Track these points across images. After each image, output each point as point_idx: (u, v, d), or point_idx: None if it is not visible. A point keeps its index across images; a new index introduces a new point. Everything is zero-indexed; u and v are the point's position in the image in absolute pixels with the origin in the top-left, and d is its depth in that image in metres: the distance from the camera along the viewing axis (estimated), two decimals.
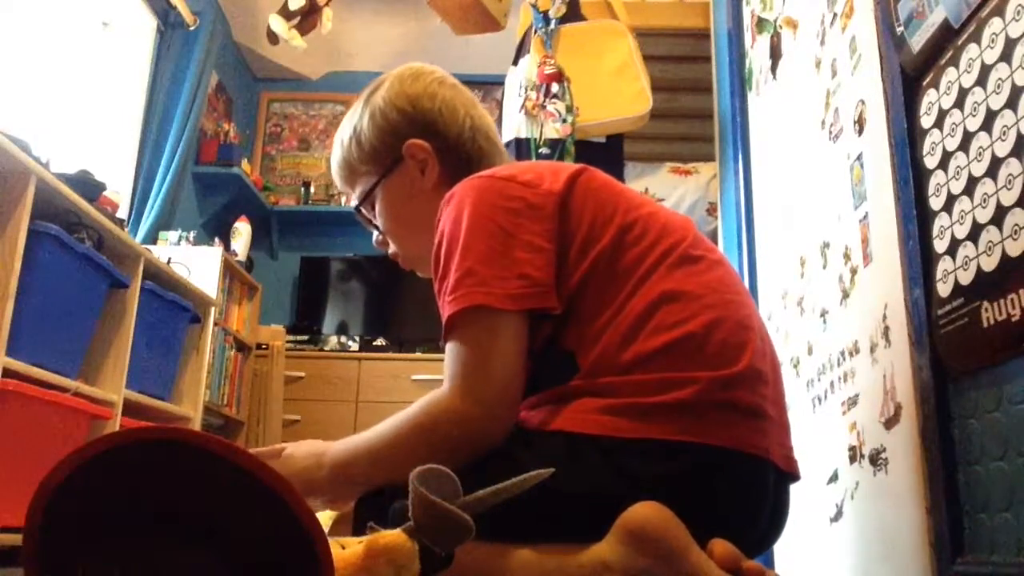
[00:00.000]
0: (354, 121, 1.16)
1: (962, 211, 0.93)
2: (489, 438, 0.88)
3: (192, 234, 3.56)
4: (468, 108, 1.14)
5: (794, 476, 0.98)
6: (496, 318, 0.89)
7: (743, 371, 0.87)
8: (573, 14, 2.43)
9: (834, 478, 1.32)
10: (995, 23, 0.88)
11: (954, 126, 0.96)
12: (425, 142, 1.10)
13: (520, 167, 1.02)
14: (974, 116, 0.91)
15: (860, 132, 1.23)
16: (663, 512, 0.78)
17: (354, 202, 1.18)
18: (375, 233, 1.20)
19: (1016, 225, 0.83)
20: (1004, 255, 0.84)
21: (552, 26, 2.37)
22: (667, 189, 2.36)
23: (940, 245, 0.98)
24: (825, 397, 1.38)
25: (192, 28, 3.94)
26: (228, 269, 3.64)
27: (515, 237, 0.92)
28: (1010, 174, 0.84)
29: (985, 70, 0.90)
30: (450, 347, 0.91)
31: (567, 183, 0.96)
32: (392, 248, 1.18)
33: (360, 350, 4.31)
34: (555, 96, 2.26)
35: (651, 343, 0.86)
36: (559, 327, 0.91)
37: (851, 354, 1.26)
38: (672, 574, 0.76)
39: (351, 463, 0.95)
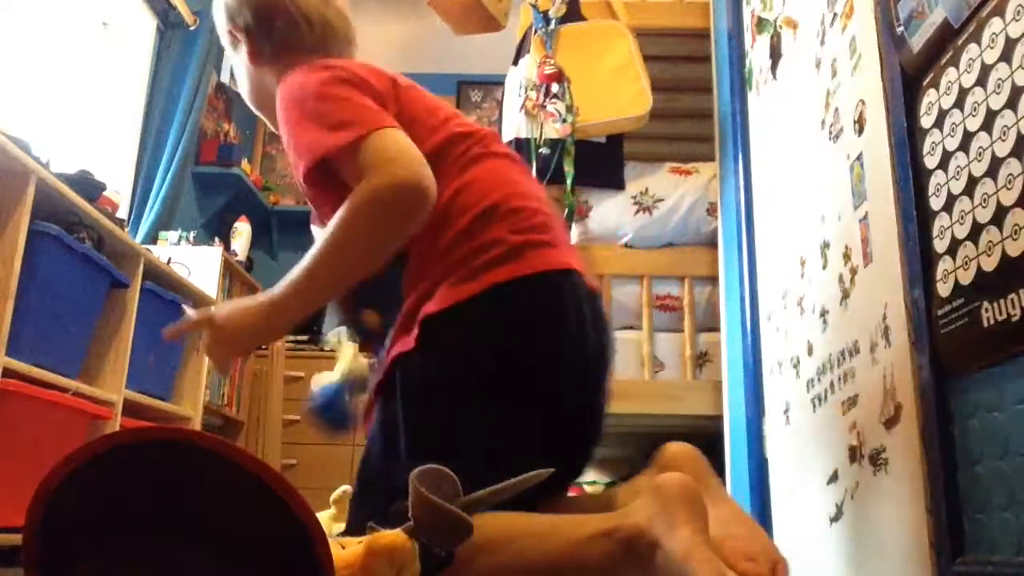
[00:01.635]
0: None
1: (962, 211, 0.93)
2: (422, 187, 0.97)
3: (192, 234, 3.56)
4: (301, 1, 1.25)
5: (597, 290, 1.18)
6: (374, 135, 1.00)
7: (529, 217, 1.07)
8: (573, 14, 2.43)
9: (834, 478, 1.32)
10: (995, 23, 0.88)
11: (954, 126, 0.96)
12: (243, 27, 1.25)
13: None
14: (974, 116, 0.91)
15: (860, 132, 1.23)
16: (688, 480, 0.86)
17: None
18: None
19: (1016, 225, 0.83)
20: (1004, 255, 0.84)
21: (552, 26, 2.37)
22: (667, 189, 2.36)
23: (940, 245, 0.98)
24: (825, 397, 1.38)
25: (192, 28, 3.94)
26: (228, 269, 3.64)
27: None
28: (1010, 174, 0.84)
29: (985, 70, 0.90)
30: (354, 166, 1.00)
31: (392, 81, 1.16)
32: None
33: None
34: (555, 96, 2.26)
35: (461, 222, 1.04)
36: None
37: (851, 354, 1.26)
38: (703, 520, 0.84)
39: (289, 295, 1.02)
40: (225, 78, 4.52)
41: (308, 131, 1.06)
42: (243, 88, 1.35)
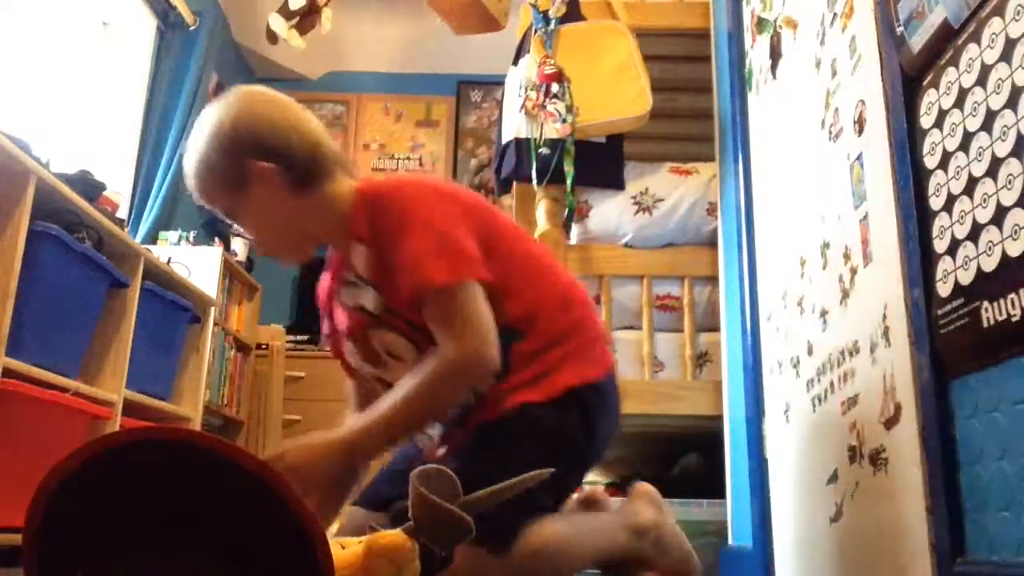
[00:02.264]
0: (200, 148, 1.29)
1: (962, 211, 0.93)
2: (492, 368, 1.21)
3: (192, 234, 3.56)
4: (301, 125, 1.31)
5: None
6: (467, 286, 1.21)
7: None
8: (573, 14, 2.43)
9: (834, 478, 1.32)
10: (995, 23, 0.88)
11: (954, 126, 0.96)
12: (266, 163, 1.27)
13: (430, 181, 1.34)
14: (974, 116, 0.91)
15: (860, 132, 1.23)
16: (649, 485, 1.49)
17: (227, 220, 1.35)
18: (245, 239, 1.37)
19: (1016, 225, 0.83)
20: (1004, 255, 0.85)
21: (552, 26, 2.37)
22: (667, 189, 2.36)
23: (940, 245, 0.98)
24: (825, 397, 1.38)
25: (192, 28, 3.94)
26: (228, 269, 3.64)
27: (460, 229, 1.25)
28: (1010, 174, 0.84)
29: (985, 70, 0.90)
30: (441, 309, 1.21)
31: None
32: (257, 248, 1.39)
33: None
34: (555, 96, 2.25)
35: (577, 312, 1.36)
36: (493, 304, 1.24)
37: (851, 354, 1.26)
38: (664, 519, 1.43)
39: (367, 439, 1.21)
40: (225, 78, 4.52)
41: (430, 255, 1.21)
42: (265, 225, 1.33)
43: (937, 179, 0.99)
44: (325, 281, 1.49)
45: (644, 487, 1.48)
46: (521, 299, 1.30)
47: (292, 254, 1.38)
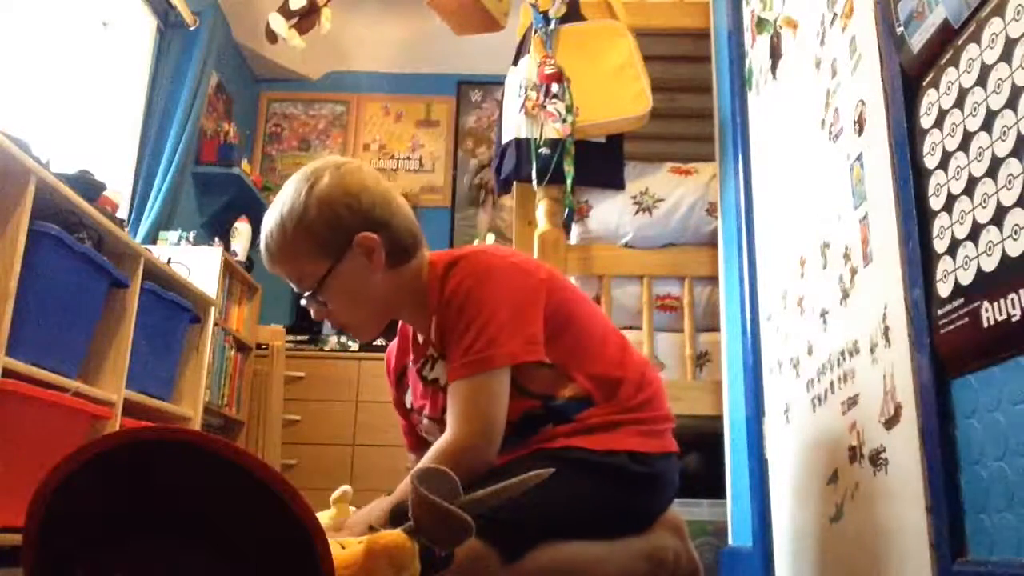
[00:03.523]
0: (296, 209, 1.26)
1: (962, 211, 0.93)
2: (490, 460, 1.23)
3: (192, 234, 3.56)
4: (397, 199, 1.34)
5: None
6: (495, 373, 1.24)
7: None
8: (573, 14, 2.43)
9: (834, 478, 1.32)
10: (995, 23, 0.88)
11: (954, 126, 0.96)
12: (374, 234, 1.27)
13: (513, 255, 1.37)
14: (974, 116, 0.91)
15: (860, 132, 1.23)
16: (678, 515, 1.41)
17: (303, 288, 1.31)
18: (315, 307, 1.33)
19: (1016, 225, 0.83)
20: (1004, 255, 0.84)
21: (552, 26, 2.37)
22: (667, 189, 2.36)
23: (940, 245, 0.98)
24: (825, 397, 1.38)
25: (192, 28, 3.94)
26: (228, 269, 3.64)
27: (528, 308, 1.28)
28: (1010, 174, 0.84)
29: (985, 70, 0.90)
30: (462, 392, 1.23)
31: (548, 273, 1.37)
32: (332, 321, 1.35)
33: (360, 350, 4.30)
34: (555, 96, 2.25)
35: (649, 392, 1.38)
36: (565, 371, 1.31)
37: (851, 354, 1.26)
38: (684, 547, 1.38)
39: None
40: (225, 78, 4.52)
41: (494, 333, 1.24)
42: (353, 298, 1.31)
43: (937, 179, 0.99)
44: (394, 351, 1.53)
45: (673, 517, 1.42)
46: (594, 372, 1.32)
47: (369, 328, 1.38)
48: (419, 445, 1.51)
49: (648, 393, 1.39)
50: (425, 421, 1.41)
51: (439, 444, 1.23)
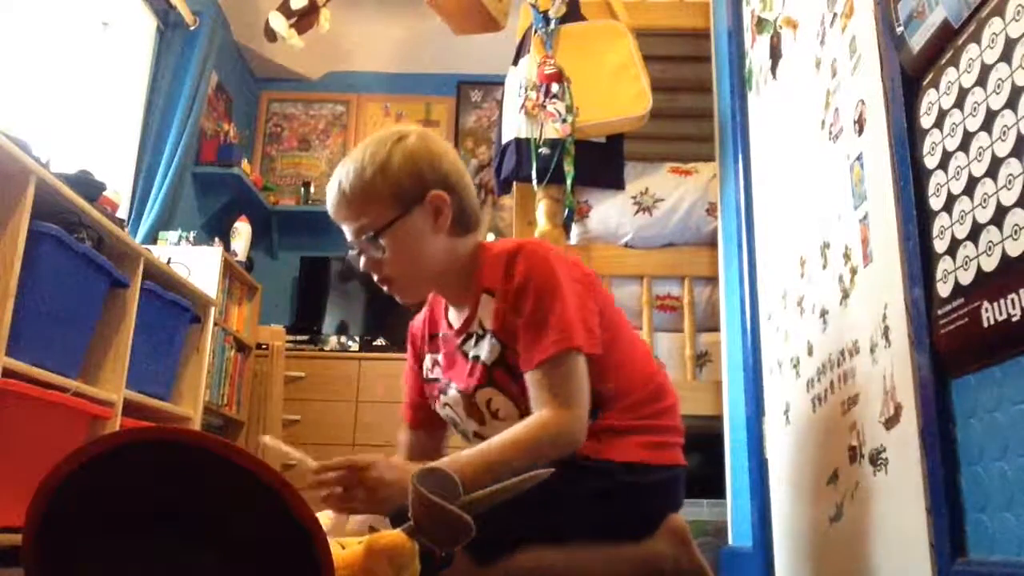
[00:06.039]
0: (379, 154, 1.29)
1: (962, 211, 0.93)
2: (582, 440, 1.25)
3: (192, 234, 3.56)
4: (468, 177, 1.38)
5: None
6: (580, 357, 1.26)
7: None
8: (573, 14, 2.43)
9: (834, 478, 1.32)
10: (995, 23, 0.88)
11: (954, 126, 0.96)
12: (447, 195, 1.31)
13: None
14: (974, 116, 0.91)
15: (860, 132, 1.23)
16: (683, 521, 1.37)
17: (364, 232, 1.31)
18: (364, 258, 1.34)
19: (1016, 225, 0.83)
20: (1004, 255, 0.84)
21: (552, 26, 2.37)
22: (667, 189, 2.36)
23: (940, 245, 0.98)
24: (825, 397, 1.38)
25: (192, 28, 3.94)
26: (228, 269, 3.64)
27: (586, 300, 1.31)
28: (1010, 174, 0.84)
29: (985, 70, 0.90)
30: (554, 375, 1.25)
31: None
32: (381, 274, 1.35)
33: (360, 350, 4.30)
34: (555, 96, 2.25)
35: (666, 403, 1.40)
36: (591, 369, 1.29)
37: (851, 354, 1.26)
38: (689, 555, 1.34)
39: (472, 477, 1.12)
40: (225, 78, 4.52)
41: (576, 321, 1.27)
42: (411, 253, 1.32)
43: (937, 179, 0.99)
44: (420, 324, 1.52)
45: (676, 523, 1.37)
46: (617, 376, 1.34)
47: (415, 287, 1.39)
48: (422, 423, 1.51)
49: (665, 404, 1.40)
50: (452, 392, 1.39)
51: (535, 421, 1.23)
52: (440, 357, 1.45)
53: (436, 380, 1.46)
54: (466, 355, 1.38)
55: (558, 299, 1.27)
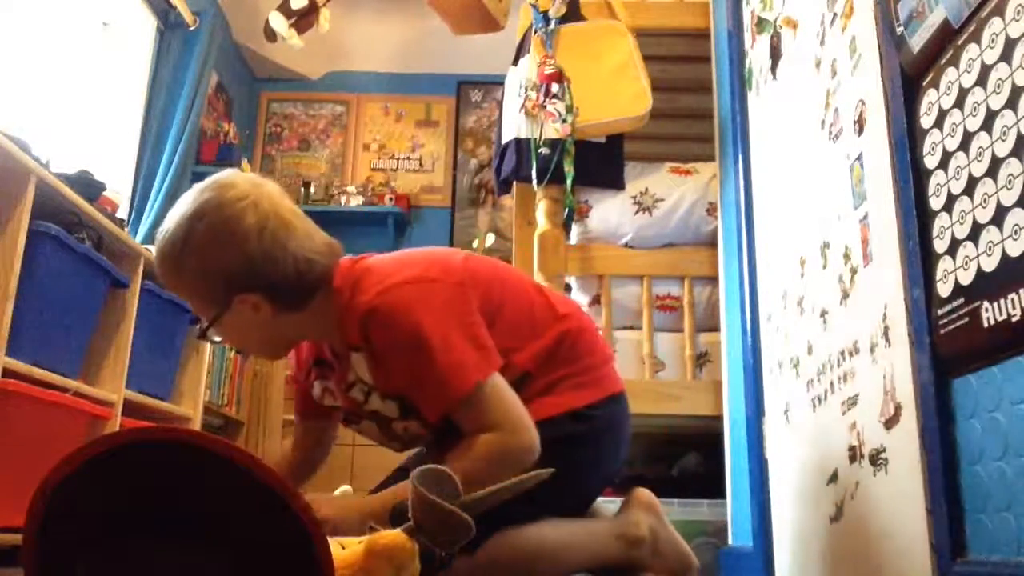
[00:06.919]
0: (174, 256, 1.18)
1: (962, 211, 0.93)
2: (536, 452, 1.20)
3: None
4: (288, 242, 1.20)
5: None
6: (486, 382, 1.20)
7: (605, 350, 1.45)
8: (573, 14, 2.43)
9: (834, 478, 1.32)
10: (995, 23, 0.88)
11: (954, 126, 0.96)
12: (252, 295, 1.19)
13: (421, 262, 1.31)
14: (974, 116, 0.91)
15: (860, 132, 1.23)
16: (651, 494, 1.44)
17: (197, 319, 1.28)
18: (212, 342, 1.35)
19: (1016, 225, 0.83)
20: (1004, 255, 0.85)
21: (552, 26, 2.37)
22: (667, 189, 2.36)
23: (940, 245, 0.98)
24: (825, 397, 1.38)
25: (192, 28, 3.94)
26: None
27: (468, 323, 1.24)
28: (1010, 174, 0.84)
29: (985, 70, 0.90)
30: (470, 412, 1.20)
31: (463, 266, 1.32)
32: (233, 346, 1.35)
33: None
34: (555, 96, 2.25)
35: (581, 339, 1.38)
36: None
37: (851, 354, 1.26)
38: (662, 526, 1.40)
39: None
40: (225, 78, 4.52)
41: (450, 369, 1.20)
42: (245, 338, 1.30)
43: (937, 179, 0.99)
44: (305, 351, 1.44)
45: (643, 494, 1.43)
46: (534, 348, 1.31)
47: (272, 355, 1.41)
48: (311, 414, 1.51)
49: (580, 341, 1.36)
50: (363, 421, 1.38)
51: (478, 450, 1.18)
52: (331, 386, 1.38)
53: (335, 407, 1.42)
54: (359, 403, 1.33)
55: (431, 350, 1.17)
